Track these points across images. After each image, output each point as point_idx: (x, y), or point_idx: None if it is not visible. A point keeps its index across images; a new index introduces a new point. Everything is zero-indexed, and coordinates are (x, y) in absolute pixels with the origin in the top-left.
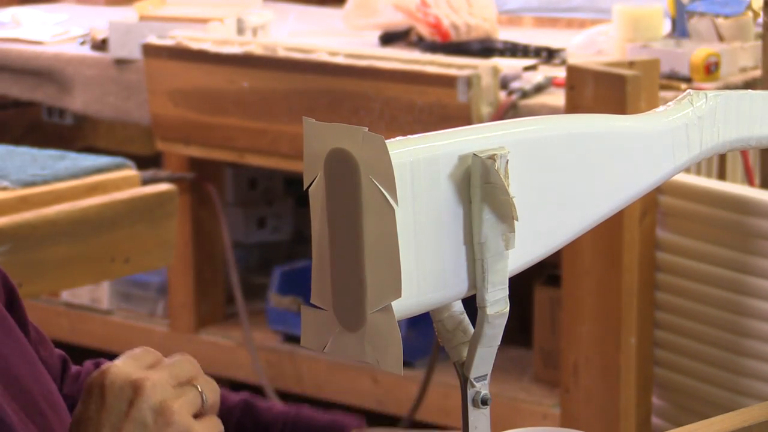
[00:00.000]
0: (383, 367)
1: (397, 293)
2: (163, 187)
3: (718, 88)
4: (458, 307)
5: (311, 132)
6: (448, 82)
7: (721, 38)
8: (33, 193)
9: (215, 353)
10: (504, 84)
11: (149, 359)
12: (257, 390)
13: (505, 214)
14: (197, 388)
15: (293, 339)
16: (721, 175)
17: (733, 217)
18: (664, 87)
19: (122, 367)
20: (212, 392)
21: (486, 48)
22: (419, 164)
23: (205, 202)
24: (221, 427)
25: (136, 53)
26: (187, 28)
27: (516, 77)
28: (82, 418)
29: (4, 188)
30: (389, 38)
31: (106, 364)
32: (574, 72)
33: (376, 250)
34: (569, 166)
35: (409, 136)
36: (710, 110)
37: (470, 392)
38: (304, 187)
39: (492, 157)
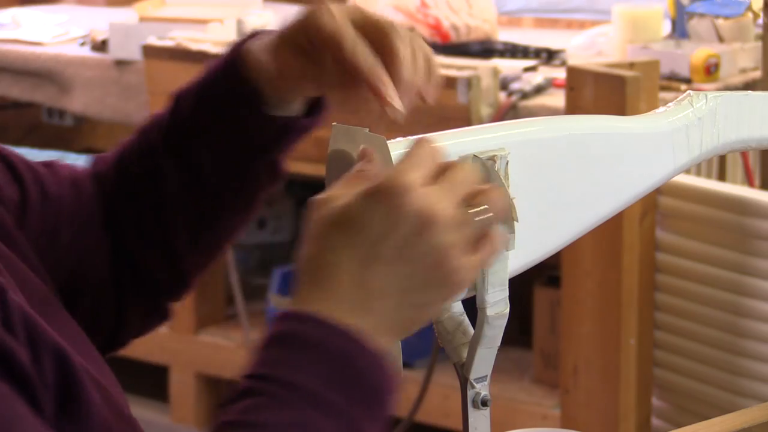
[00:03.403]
0: None
1: None
2: None
3: (718, 89)
4: (458, 308)
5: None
6: (448, 83)
7: (721, 39)
8: None
9: (215, 354)
10: (504, 85)
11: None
12: None
13: (505, 216)
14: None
15: None
16: (721, 176)
17: (733, 218)
18: (664, 88)
19: (425, 195)
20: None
21: (486, 49)
22: None
23: None
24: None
25: (136, 54)
26: (186, 29)
27: (516, 78)
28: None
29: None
30: None
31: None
32: (574, 73)
33: None
34: (569, 168)
35: (409, 137)
36: (710, 111)
37: (470, 393)
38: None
39: (492, 158)
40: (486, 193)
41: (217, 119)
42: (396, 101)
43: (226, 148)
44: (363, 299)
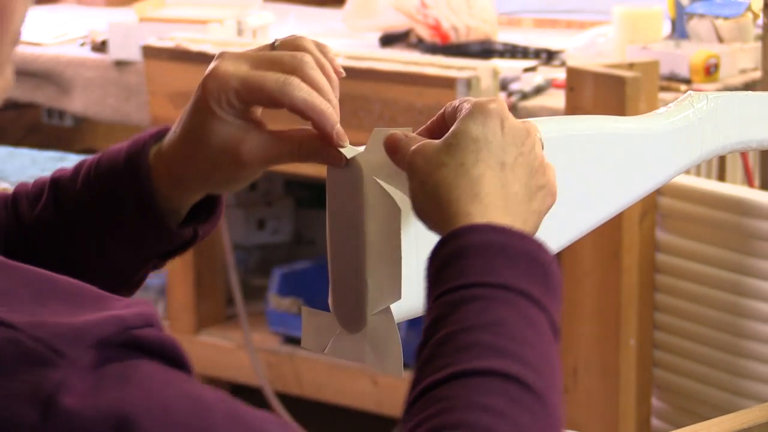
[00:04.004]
0: (383, 370)
1: (397, 295)
2: None
3: (718, 90)
4: None
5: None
6: (448, 83)
7: (720, 40)
8: None
9: (215, 355)
10: (504, 85)
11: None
12: (257, 391)
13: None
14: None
15: (293, 340)
16: (721, 177)
17: (733, 219)
18: (663, 88)
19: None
20: None
21: (485, 50)
22: None
23: None
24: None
25: (136, 55)
26: (186, 29)
27: (516, 79)
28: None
29: (5, 190)
30: (389, 40)
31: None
32: (573, 73)
33: (378, 252)
34: (569, 168)
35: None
36: (711, 112)
37: None
38: None
39: None
40: None
41: (112, 222)
42: (336, 127)
43: (114, 245)
44: (508, 204)
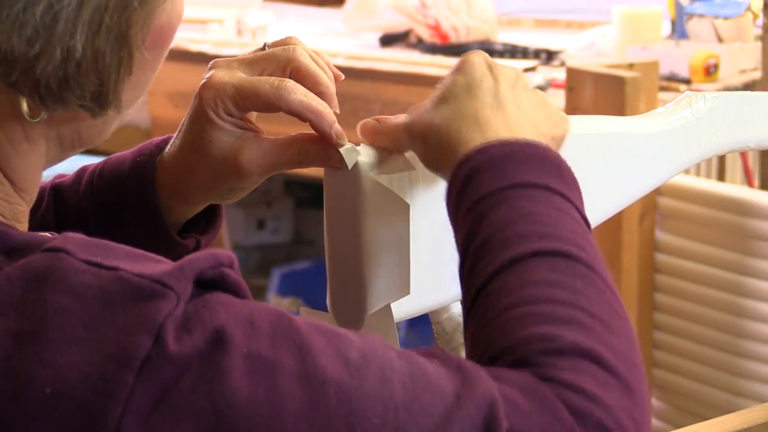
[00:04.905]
0: None
1: (406, 291)
2: None
3: (718, 90)
4: (457, 308)
5: None
6: None
7: (720, 40)
8: None
9: None
10: None
11: None
12: None
13: None
14: None
15: None
16: (721, 177)
17: (733, 219)
18: (663, 88)
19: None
20: None
21: (485, 50)
22: (418, 166)
23: None
24: None
25: None
26: (186, 29)
27: None
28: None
29: None
30: (389, 40)
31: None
32: (573, 73)
33: (379, 252)
34: None
35: None
36: (709, 112)
37: None
38: None
39: None
40: None
41: (115, 231)
42: (334, 126)
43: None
44: (512, 129)
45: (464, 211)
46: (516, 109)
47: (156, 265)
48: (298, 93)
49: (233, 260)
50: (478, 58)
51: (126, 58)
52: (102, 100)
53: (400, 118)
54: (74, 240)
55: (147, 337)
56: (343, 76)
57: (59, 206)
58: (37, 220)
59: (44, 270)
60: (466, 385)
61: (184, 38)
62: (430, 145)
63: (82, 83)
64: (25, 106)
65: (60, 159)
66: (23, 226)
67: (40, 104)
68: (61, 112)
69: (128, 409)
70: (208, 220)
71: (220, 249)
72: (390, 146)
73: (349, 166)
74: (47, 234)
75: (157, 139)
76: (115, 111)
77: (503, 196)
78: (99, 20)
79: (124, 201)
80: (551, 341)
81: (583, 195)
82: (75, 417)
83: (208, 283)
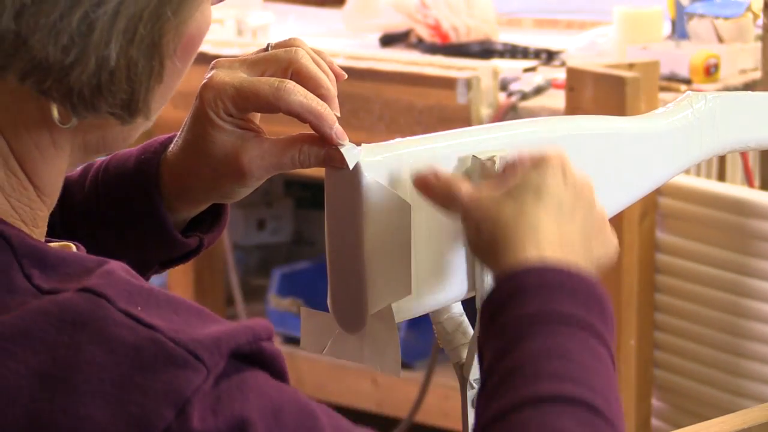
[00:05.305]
0: (382, 370)
1: (407, 291)
2: None
3: (718, 90)
4: (458, 308)
5: None
6: (448, 83)
7: (720, 40)
8: None
9: None
10: (504, 86)
11: None
12: None
13: None
14: None
15: (293, 341)
16: (721, 177)
17: (733, 219)
18: (663, 89)
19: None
20: None
21: (486, 50)
22: (419, 166)
23: None
24: None
25: None
26: None
27: (516, 79)
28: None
29: None
30: (389, 40)
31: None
32: (573, 74)
33: (380, 252)
34: None
35: (408, 138)
36: (709, 112)
37: (470, 394)
38: None
39: (492, 159)
40: None
41: (118, 228)
42: (334, 127)
43: (116, 251)
44: (565, 247)
45: (501, 324)
46: (576, 226)
47: (196, 321)
48: (297, 94)
49: (271, 332)
50: (556, 160)
51: (157, 67)
52: (132, 107)
53: (460, 185)
54: (117, 284)
55: (170, 409)
56: (346, 76)
57: (65, 201)
58: None
59: (82, 315)
60: None
61: None
62: (483, 234)
63: (114, 91)
64: (56, 112)
65: (82, 163)
66: (41, 230)
67: (71, 111)
68: (92, 119)
69: None
70: (213, 218)
71: (259, 319)
72: (436, 204)
73: (350, 167)
74: (82, 253)
75: (162, 137)
76: (143, 118)
77: (545, 327)
78: (133, 30)
79: (128, 198)
80: None
81: None
82: None
83: (245, 356)
